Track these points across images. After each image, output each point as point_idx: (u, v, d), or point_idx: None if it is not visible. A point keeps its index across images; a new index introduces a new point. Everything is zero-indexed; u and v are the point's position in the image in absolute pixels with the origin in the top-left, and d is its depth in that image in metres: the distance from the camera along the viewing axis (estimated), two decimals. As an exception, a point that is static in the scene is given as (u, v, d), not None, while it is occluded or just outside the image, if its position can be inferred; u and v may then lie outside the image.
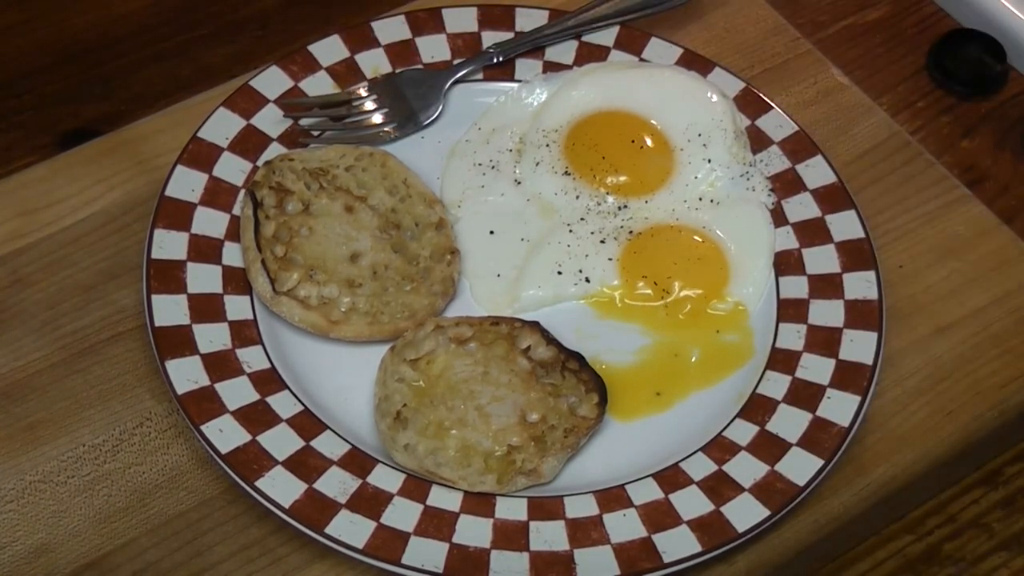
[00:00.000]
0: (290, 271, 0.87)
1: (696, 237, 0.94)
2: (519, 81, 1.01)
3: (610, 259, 0.93)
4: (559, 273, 0.92)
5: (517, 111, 1.00)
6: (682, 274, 0.92)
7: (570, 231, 0.94)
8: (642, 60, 1.02)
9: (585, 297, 0.92)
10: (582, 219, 0.95)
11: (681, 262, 0.93)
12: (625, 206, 0.95)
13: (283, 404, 0.83)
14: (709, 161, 0.96)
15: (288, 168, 0.92)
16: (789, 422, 0.84)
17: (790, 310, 0.91)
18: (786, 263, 0.93)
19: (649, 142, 0.97)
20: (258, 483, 0.79)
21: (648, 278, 0.92)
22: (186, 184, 0.91)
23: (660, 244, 0.94)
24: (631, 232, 0.94)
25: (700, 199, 0.96)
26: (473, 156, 0.98)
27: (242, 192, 0.92)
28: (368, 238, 0.91)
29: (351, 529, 0.77)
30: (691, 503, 0.81)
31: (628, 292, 0.91)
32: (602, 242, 0.93)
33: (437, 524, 0.79)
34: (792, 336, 0.89)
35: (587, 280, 0.92)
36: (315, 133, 0.96)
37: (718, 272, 0.93)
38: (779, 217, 0.95)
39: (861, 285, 0.90)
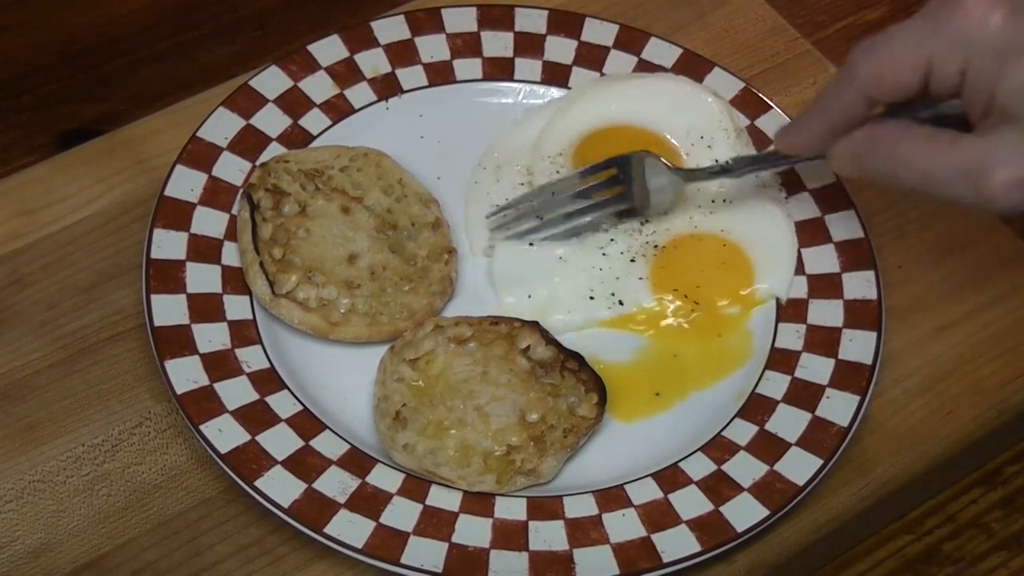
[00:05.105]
0: (288, 273, 0.87)
1: (718, 241, 0.93)
2: (518, 81, 1.01)
3: (640, 278, 0.92)
4: (591, 298, 0.91)
5: (516, 142, 0.98)
6: (709, 281, 0.91)
7: (603, 254, 0.93)
8: (641, 60, 1.02)
9: (618, 319, 0.90)
10: (612, 240, 0.94)
11: (707, 269, 0.92)
12: (647, 220, 0.95)
13: (282, 404, 0.83)
14: (716, 161, 0.96)
15: (283, 170, 0.92)
16: (788, 422, 0.84)
17: (789, 310, 0.90)
18: (785, 263, 0.93)
19: (655, 150, 0.96)
20: (257, 483, 0.78)
21: (679, 291, 0.91)
22: (185, 184, 0.91)
23: (684, 254, 0.93)
24: (656, 247, 0.93)
25: (713, 201, 0.95)
26: (487, 198, 0.96)
27: (240, 193, 0.92)
28: (365, 239, 0.91)
29: (350, 529, 0.77)
30: (690, 503, 0.81)
31: (661, 311, 0.90)
32: (632, 261, 0.92)
33: (436, 524, 0.79)
34: (791, 336, 0.89)
35: (620, 303, 0.91)
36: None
37: (743, 273, 0.92)
38: (778, 217, 0.95)
39: (861, 285, 0.90)
